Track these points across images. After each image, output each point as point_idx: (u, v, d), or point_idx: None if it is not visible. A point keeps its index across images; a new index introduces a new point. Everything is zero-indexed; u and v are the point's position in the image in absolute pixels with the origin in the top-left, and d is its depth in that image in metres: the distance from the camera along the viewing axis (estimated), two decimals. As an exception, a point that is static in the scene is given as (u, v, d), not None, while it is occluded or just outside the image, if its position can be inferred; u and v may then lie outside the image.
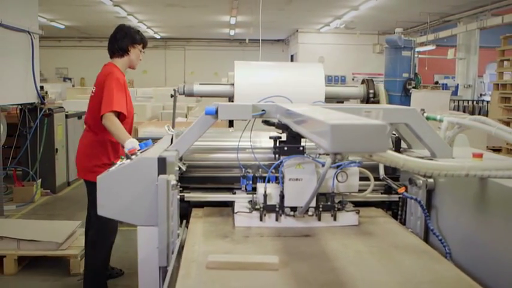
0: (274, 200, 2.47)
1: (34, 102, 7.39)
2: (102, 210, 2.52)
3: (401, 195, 2.61)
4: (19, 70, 6.84)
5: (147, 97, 13.73)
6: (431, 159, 2.48)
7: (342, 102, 3.62)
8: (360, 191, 2.64)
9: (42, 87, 7.49)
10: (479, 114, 13.47)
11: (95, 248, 4.07)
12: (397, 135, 2.91)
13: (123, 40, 4.11)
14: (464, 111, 13.51)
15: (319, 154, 2.62)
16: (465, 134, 2.98)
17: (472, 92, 17.04)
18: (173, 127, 3.33)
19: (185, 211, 2.71)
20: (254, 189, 2.61)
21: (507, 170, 2.02)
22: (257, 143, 2.93)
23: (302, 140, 2.64)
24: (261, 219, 2.47)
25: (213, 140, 3.07)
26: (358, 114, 2.38)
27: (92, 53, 22.20)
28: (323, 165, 2.46)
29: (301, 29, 20.57)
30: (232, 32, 21.37)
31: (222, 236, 2.35)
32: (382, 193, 2.81)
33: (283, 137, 2.70)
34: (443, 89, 16.46)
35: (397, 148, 2.89)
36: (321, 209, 2.46)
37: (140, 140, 3.29)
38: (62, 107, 8.40)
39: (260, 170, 2.70)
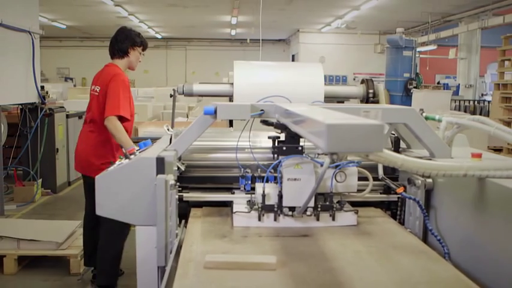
0: (272, 200, 2.47)
1: (35, 102, 7.38)
2: (100, 210, 2.52)
3: (400, 195, 2.61)
4: (20, 70, 6.84)
5: (148, 97, 13.75)
6: (430, 159, 2.47)
7: (342, 102, 3.62)
8: (359, 191, 2.64)
9: (42, 87, 7.50)
10: (480, 114, 13.47)
11: (113, 238, 4.06)
12: (396, 135, 2.91)
13: (123, 42, 4.22)
14: (465, 111, 13.50)
15: (318, 154, 2.62)
16: (466, 134, 2.97)
17: (473, 92, 17.02)
18: (172, 127, 3.33)
19: (184, 211, 2.71)
20: (253, 189, 2.61)
21: (506, 170, 2.01)
22: (257, 143, 2.93)
23: (301, 140, 2.64)
24: (259, 219, 2.47)
25: (212, 139, 3.07)
26: (357, 114, 2.39)
27: (93, 53, 22.23)
28: (322, 165, 2.46)
29: (302, 29, 20.57)
30: (233, 32, 21.37)
31: (221, 236, 2.35)
32: (381, 193, 2.80)
33: (282, 136, 2.70)
34: (444, 89, 16.44)
35: (396, 148, 2.89)
36: (319, 209, 2.46)
37: (140, 140, 3.30)
38: (63, 107, 8.41)
39: (259, 170, 2.70)
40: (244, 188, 2.66)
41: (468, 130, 2.68)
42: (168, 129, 3.06)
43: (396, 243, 2.28)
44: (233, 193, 2.72)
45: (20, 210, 6.92)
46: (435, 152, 2.55)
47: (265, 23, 17.02)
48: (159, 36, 23.46)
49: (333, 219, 2.48)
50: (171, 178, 2.37)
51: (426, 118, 2.79)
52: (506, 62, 10.54)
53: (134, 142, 4.02)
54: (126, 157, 2.58)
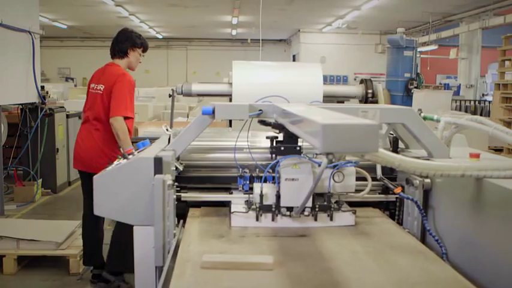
0: (270, 200, 2.46)
1: (35, 102, 7.39)
2: (98, 210, 2.52)
3: (397, 196, 2.60)
4: (20, 70, 6.85)
5: (149, 97, 13.75)
6: (428, 160, 2.47)
7: (342, 102, 3.61)
8: (358, 191, 2.63)
9: (43, 87, 7.50)
10: (481, 114, 13.45)
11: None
12: (394, 135, 2.90)
13: (123, 43, 4.35)
14: (466, 111, 13.48)
15: (316, 154, 2.61)
16: (467, 134, 2.97)
17: (474, 92, 17.01)
18: (171, 127, 3.34)
19: (182, 211, 2.71)
20: (251, 189, 2.60)
21: (503, 171, 2.01)
22: (256, 143, 2.92)
23: (299, 140, 2.64)
24: (257, 219, 2.46)
25: (210, 139, 3.07)
26: (355, 114, 2.38)
27: (94, 53, 22.24)
28: (319, 165, 2.45)
29: (303, 29, 20.57)
30: (234, 32, 21.38)
31: (218, 236, 2.34)
32: (379, 193, 2.79)
33: (280, 137, 2.70)
34: (445, 89, 16.43)
35: (395, 148, 2.89)
36: (317, 209, 2.45)
37: (139, 140, 3.30)
38: (63, 107, 8.42)
39: (257, 170, 2.69)
40: (243, 188, 2.65)
41: (469, 130, 2.67)
42: (167, 129, 3.06)
43: (394, 243, 2.28)
44: (231, 193, 2.72)
45: (20, 210, 6.93)
46: (433, 152, 2.55)
47: (266, 23, 17.04)
48: (160, 36, 23.48)
49: (331, 219, 2.47)
50: (168, 178, 2.37)
51: (424, 118, 2.79)
52: (507, 62, 10.53)
53: (133, 142, 4.05)
54: (124, 157, 2.58)
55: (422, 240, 2.45)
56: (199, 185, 2.83)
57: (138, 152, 2.72)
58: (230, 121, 3.50)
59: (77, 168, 4.48)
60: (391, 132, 2.92)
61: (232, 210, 2.51)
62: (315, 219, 2.46)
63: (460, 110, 14.14)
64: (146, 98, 13.59)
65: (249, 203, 2.53)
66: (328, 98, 3.42)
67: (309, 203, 2.42)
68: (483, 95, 18.49)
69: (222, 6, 15.43)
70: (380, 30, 20.17)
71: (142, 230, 2.42)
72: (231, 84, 3.30)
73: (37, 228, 5.11)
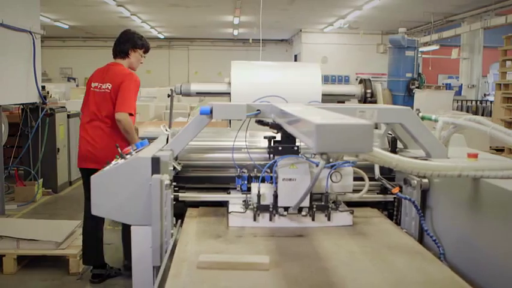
0: (267, 200, 2.47)
1: (36, 102, 7.40)
2: (96, 210, 2.52)
3: (395, 196, 2.60)
4: (21, 70, 6.85)
5: (151, 97, 13.75)
6: (426, 160, 2.46)
7: (343, 102, 3.61)
8: (356, 191, 2.63)
9: (43, 87, 7.50)
10: (482, 114, 13.43)
11: None
12: (393, 135, 2.90)
13: (125, 44, 4.44)
14: (467, 112, 13.46)
15: (314, 154, 2.61)
16: (468, 134, 2.96)
17: (476, 92, 16.98)
18: (170, 127, 3.33)
19: (181, 211, 2.71)
20: (249, 189, 2.60)
21: (500, 171, 2.00)
22: (255, 143, 2.92)
23: (297, 140, 2.63)
24: (254, 219, 2.46)
25: (209, 139, 3.07)
26: (353, 114, 2.38)
27: (96, 53, 22.27)
28: (317, 165, 2.45)
29: (304, 29, 20.57)
30: (235, 32, 21.38)
31: (215, 236, 2.34)
32: (377, 193, 2.80)
33: (278, 136, 2.70)
34: (446, 89, 16.42)
35: (393, 148, 2.88)
36: (314, 209, 2.45)
37: (139, 139, 3.31)
38: (64, 107, 8.42)
39: (255, 169, 2.69)
40: (241, 188, 2.65)
41: (470, 130, 2.66)
42: (166, 130, 3.06)
43: (391, 243, 2.27)
44: (229, 193, 2.72)
45: (20, 210, 6.93)
46: (431, 152, 2.54)
47: (267, 23, 17.04)
48: (162, 36, 23.49)
49: (329, 219, 2.47)
50: (166, 178, 2.37)
51: (422, 118, 2.79)
52: (508, 62, 10.50)
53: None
54: (122, 157, 2.58)
55: (420, 240, 2.45)
56: (198, 185, 2.84)
57: (136, 152, 2.72)
58: (230, 121, 3.50)
59: (85, 167, 4.41)
60: (390, 132, 2.91)
61: (229, 210, 2.51)
62: (313, 219, 2.46)
63: (461, 110, 14.11)
64: (148, 98, 13.59)
65: (246, 203, 2.53)
66: (328, 98, 3.42)
67: (307, 203, 2.42)
68: (485, 95, 18.47)
69: (224, 6, 15.43)
70: (382, 30, 20.16)
71: (140, 230, 2.42)
72: (230, 84, 3.29)
73: (37, 228, 5.11)
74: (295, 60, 22.13)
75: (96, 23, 19.12)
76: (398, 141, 2.92)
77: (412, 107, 2.70)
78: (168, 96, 3.45)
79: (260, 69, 3.46)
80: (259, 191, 2.46)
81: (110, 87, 4.28)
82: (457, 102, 14.65)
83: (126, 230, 4.15)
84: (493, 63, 19.83)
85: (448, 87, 17.10)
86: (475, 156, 2.33)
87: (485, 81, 19.93)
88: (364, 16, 16.36)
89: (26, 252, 4.79)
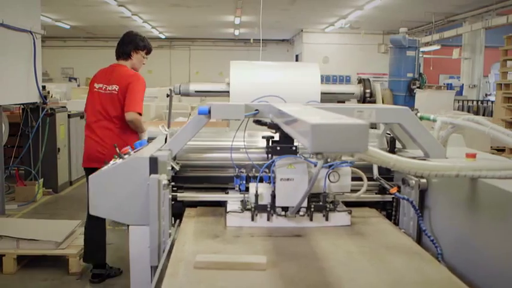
0: (265, 200, 2.46)
1: (36, 102, 7.41)
2: (94, 210, 2.53)
3: (394, 196, 2.59)
4: (21, 70, 6.86)
5: (152, 97, 13.74)
6: (424, 159, 2.46)
7: (343, 102, 3.60)
8: (354, 191, 2.62)
9: (44, 87, 7.51)
10: (483, 114, 13.42)
11: None
12: (392, 135, 2.89)
13: (127, 45, 4.52)
14: (468, 112, 13.45)
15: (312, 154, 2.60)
16: (469, 134, 2.95)
17: (477, 92, 16.97)
18: (168, 127, 3.33)
19: (179, 211, 2.71)
20: (248, 189, 2.60)
21: (498, 171, 2.00)
22: (255, 143, 2.91)
23: (295, 140, 2.63)
24: (252, 219, 2.46)
25: (207, 139, 3.07)
26: (351, 114, 2.38)
27: (97, 53, 22.31)
28: (315, 165, 2.45)
29: (305, 28, 20.56)
30: (237, 32, 21.38)
31: (213, 236, 2.34)
32: (376, 193, 2.79)
33: (276, 136, 2.69)
34: (448, 89, 16.40)
35: (392, 148, 2.88)
36: (312, 209, 2.45)
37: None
38: (65, 107, 8.43)
39: (254, 169, 2.69)
40: (239, 188, 2.65)
41: (472, 131, 2.65)
42: (165, 130, 3.06)
43: (389, 243, 2.27)
44: (227, 193, 2.72)
45: (21, 209, 6.94)
46: (430, 152, 2.54)
47: (268, 23, 17.05)
48: (163, 36, 23.49)
49: (326, 219, 2.47)
50: (164, 178, 2.37)
51: (421, 118, 2.78)
52: (509, 62, 10.49)
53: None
54: (120, 157, 2.58)
55: (419, 240, 2.44)
56: (196, 185, 2.83)
57: (134, 152, 2.72)
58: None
59: (92, 167, 4.41)
60: (388, 132, 2.91)
61: (227, 210, 2.51)
62: (311, 219, 2.46)
63: (462, 110, 14.11)
64: (149, 97, 13.55)
65: (244, 203, 2.53)
66: (328, 98, 3.41)
67: (304, 203, 2.42)
68: (486, 95, 18.44)
69: (225, 6, 15.43)
70: (383, 30, 20.14)
71: (137, 230, 2.43)
72: (228, 84, 3.29)
73: (37, 228, 5.11)
74: (297, 60, 22.12)
75: (97, 23, 19.13)
76: (397, 141, 2.92)
77: (414, 107, 2.70)
78: (167, 96, 3.45)
79: (259, 69, 3.46)
80: (257, 191, 2.46)
81: (116, 89, 4.35)
82: (458, 102, 14.65)
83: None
84: (495, 63, 19.80)
85: (449, 87, 17.08)
86: (474, 156, 2.33)
87: (486, 81, 19.90)
88: (365, 16, 16.35)
89: (25, 252, 4.80)
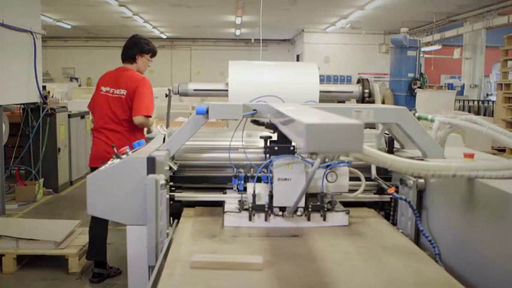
0: (263, 200, 2.46)
1: (37, 102, 7.42)
2: (92, 210, 2.53)
3: (391, 196, 2.59)
4: (22, 70, 6.87)
5: (154, 97, 13.74)
6: (422, 159, 2.46)
7: (343, 102, 3.60)
8: (352, 191, 2.62)
9: (44, 87, 7.53)
10: (484, 114, 13.40)
11: None
12: (390, 135, 2.89)
13: (132, 49, 4.61)
14: (469, 111, 13.44)
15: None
16: (470, 134, 2.93)
17: (478, 92, 16.95)
18: (167, 126, 3.34)
19: (177, 210, 2.70)
20: (246, 189, 2.60)
21: (495, 171, 2.00)
22: (255, 143, 2.91)
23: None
24: (250, 219, 2.45)
25: (206, 139, 3.06)
26: (348, 114, 2.38)
27: (98, 53, 22.36)
28: (313, 165, 2.44)
29: (307, 28, 20.55)
30: (238, 32, 21.37)
31: (210, 236, 2.34)
32: (374, 193, 2.78)
33: (274, 136, 2.69)
34: (449, 89, 16.38)
35: (390, 148, 2.88)
36: (310, 209, 2.44)
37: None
38: (65, 107, 8.44)
39: (252, 169, 2.69)
40: (237, 188, 2.65)
41: (472, 131, 2.64)
42: (164, 129, 3.06)
43: (387, 244, 2.26)
44: (225, 193, 2.71)
45: (21, 209, 6.95)
46: (427, 152, 2.53)
47: (269, 23, 17.04)
48: (164, 36, 23.49)
49: (324, 219, 2.46)
50: (161, 178, 2.37)
51: (419, 118, 2.78)
52: (510, 62, 10.47)
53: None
54: (118, 157, 2.58)
55: (416, 240, 2.44)
56: (194, 185, 2.83)
57: (132, 152, 2.72)
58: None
59: (98, 166, 4.45)
60: (387, 132, 2.90)
61: (225, 210, 2.50)
62: (308, 219, 2.45)
63: (463, 110, 14.09)
64: (150, 98, 13.58)
65: (241, 203, 2.53)
66: (328, 98, 3.41)
67: (302, 203, 2.42)
68: (487, 95, 18.42)
69: (226, 6, 15.43)
70: (384, 30, 20.12)
71: (135, 230, 2.43)
72: (227, 84, 3.29)
73: (37, 228, 5.12)
74: (298, 60, 22.11)
75: (99, 23, 19.13)
76: (395, 141, 2.91)
77: (414, 107, 2.69)
78: (166, 96, 3.45)
79: (258, 68, 3.45)
80: (254, 191, 2.46)
81: (125, 93, 4.43)
82: (459, 102, 14.63)
83: None
84: (496, 63, 19.77)
85: (450, 87, 17.07)
86: (471, 156, 2.33)
87: (487, 81, 19.87)
88: (366, 16, 16.34)
89: (25, 252, 4.80)
